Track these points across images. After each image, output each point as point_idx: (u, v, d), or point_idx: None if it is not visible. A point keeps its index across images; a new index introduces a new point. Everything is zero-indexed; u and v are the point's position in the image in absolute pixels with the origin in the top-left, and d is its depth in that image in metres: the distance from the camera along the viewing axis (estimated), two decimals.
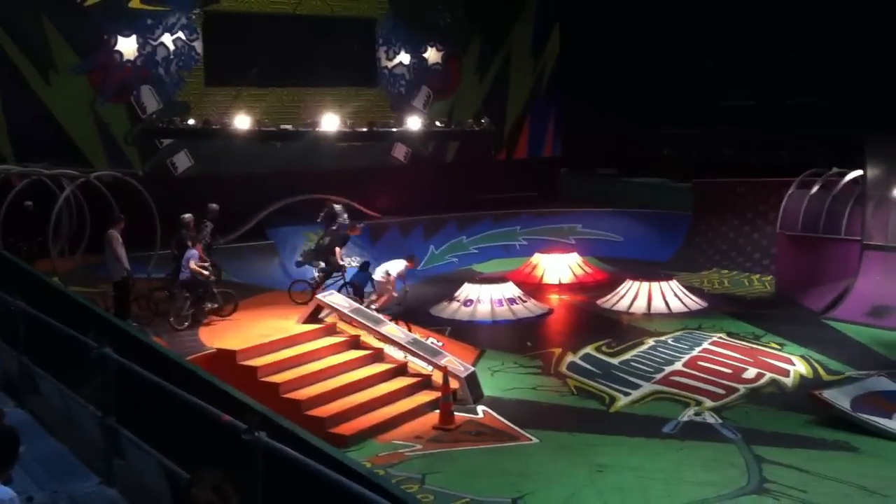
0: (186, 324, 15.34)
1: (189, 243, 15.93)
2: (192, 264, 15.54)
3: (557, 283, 23.29)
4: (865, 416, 12.88)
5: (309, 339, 14.98)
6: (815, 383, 14.85)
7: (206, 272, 15.74)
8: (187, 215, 16.42)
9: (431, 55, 28.95)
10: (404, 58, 28.22)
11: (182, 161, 24.08)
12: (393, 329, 15.28)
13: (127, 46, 23.03)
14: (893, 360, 16.29)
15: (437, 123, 26.82)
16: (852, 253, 20.42)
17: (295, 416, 11.71)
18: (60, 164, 17.87)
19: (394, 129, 26.19)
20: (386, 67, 27.93)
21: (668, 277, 21.31)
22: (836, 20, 29.34)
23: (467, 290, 20.44)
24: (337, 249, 17.74)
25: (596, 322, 19.55)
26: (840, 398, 13.37)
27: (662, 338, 17.68)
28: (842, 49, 29.19)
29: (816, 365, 16.05)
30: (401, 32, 28.07)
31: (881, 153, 20.48)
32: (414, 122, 25.38)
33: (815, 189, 21.86)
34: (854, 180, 21.38)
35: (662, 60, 32.23)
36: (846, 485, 11.03)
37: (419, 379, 14.49)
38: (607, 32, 32.53)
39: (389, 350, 15.08)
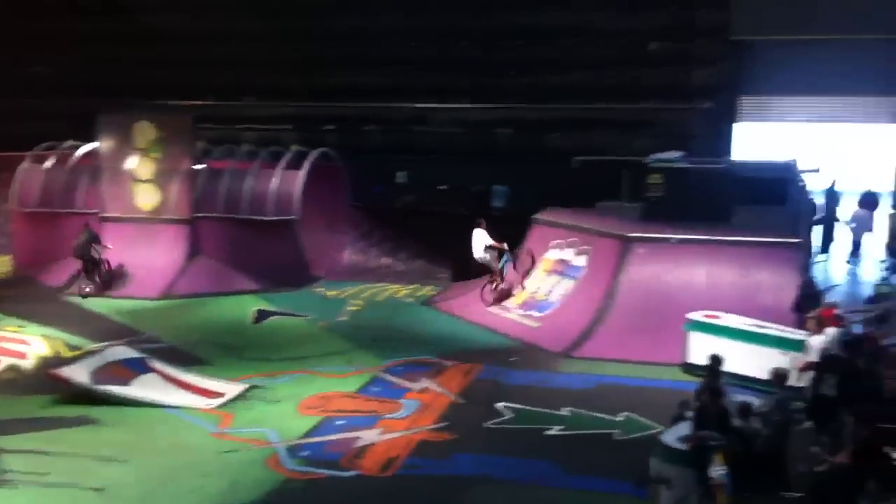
0: None
1: None
2: None
3: None
4: (105, 386, 13.02)
5: None
6: (56, 361, 14.54)
7: None
8: None
9: None
10: None
11: None
12: None
13: None
14: (131, 327, 16.88)
15: None
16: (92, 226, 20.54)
17: None
18: None
19: None
20: None
21: None
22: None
23: None
24: None
25: None
26: (79, 373, 13.26)
27: None
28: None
29: (57, 342, 15.77)
30: None
31: (113, 124, 20.91)
32: None
33: (50, 163, 21.45)
34: (90, 152, 21.50)
35: None
36: (86, 457, 11.02)
37: None
38: None
39: None
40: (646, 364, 14.28)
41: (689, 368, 13.85)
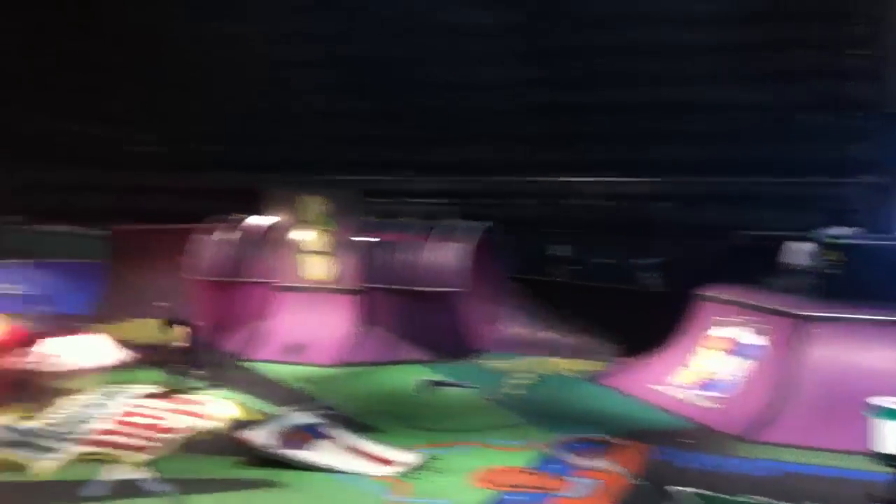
0: None
1: None
2: None
3: None
4: (285, 450, 13.51)
5: None
6: (238, 424, 15.16)
7: None
8: None
9: None
10: None
11: None
12: None
13: None
14: (309, 394, 17.48)
15: None
16: (266, 295, 21.56)
17: None
18: None
19: None
20: None
21: (86, 330, 20.21)
22: (226, 71, 31.02)
23: None
24: None
25: (6, 385, 17.68)
26: (261, 436, 13.84)
27: (85, 395, 16.65)
28: (242, 101, 30.99)
29: (241, 407, 16.46)
30: None
31: (283, 198, 22.03)
32: None
33: (226, 234, 22.69)
34: (263, 225, 22.66)
35: (62, 101, 31.02)
36: None
37: None
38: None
39: None
40: (831, 452, 13.68)
41: (879, 458, 13.18)
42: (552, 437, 14.78)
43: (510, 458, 13.81)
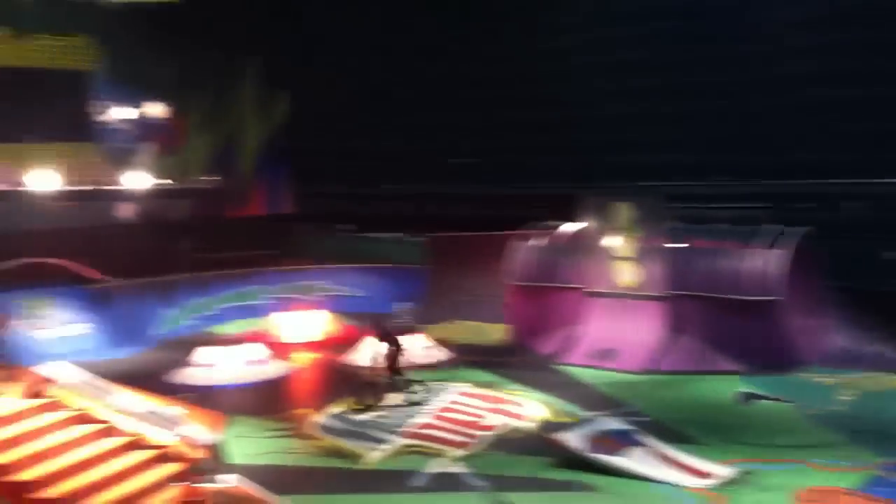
0: None
1: None
2: None
3: (302, 341, 22.97)
4: (597, 455, 13.62)
5: (26, 417, 13.50)
6: (552, 426, 15.51)
7: None
8: None
9: (154, 110, 27.96)
10: (123, 112, 27.00)
11: None
12: (126, 399, 14.21)
13: None
14: (619, 400, 17.47)
15: (165, 180, 25.87)
16: (577, 300, 21.84)
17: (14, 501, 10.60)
18: None
19: (116, 187, 24.95)
20: (102, 122, 26.58)
21: (410, 330, 21.59)
22: (540, 83, 31.73)
23: (207, 353, 19.83)
24: None
25: (341, 379, 19.41)
26: (573, 439, 14.06)
27: (409, 391, 17.83)
28: (555, 111, 31.61)
29: (552, 408, 16.84)
30: (117, 86, 26.86)
31: (594, 206, 22.18)
32: (138, 180, 24.30)
33: (539, 241, 23.25)
34: (574, 232, 22.99)
35: (388, 120, 33.39)
36: None
37: (158, 452, 13.51)
38: (335, 93, 33.20)
39: (122, 422, 13.95)
40: None
41: None
42: (883, 458, 13.67)
43: (834, 479, 12.92)
